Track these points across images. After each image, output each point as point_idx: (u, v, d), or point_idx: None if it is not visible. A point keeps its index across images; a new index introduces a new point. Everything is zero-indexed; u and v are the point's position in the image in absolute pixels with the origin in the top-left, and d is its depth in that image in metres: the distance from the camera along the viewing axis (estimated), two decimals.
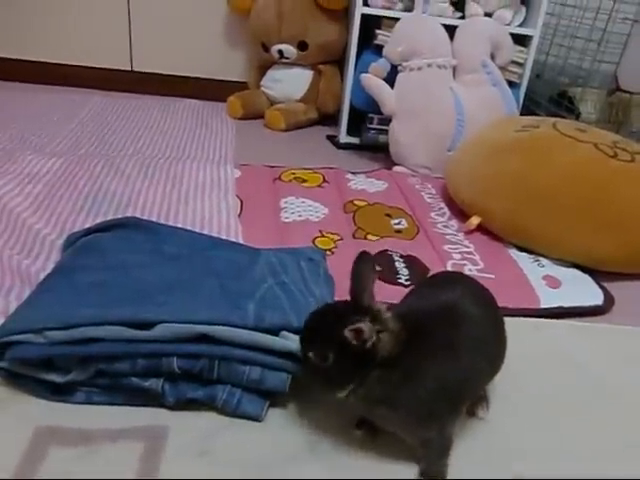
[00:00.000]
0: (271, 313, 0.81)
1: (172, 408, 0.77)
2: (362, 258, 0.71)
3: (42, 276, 0.94)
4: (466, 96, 1.75)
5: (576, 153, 1.29)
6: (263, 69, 2.27)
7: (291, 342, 0.78)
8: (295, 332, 0.81)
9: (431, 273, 1.17)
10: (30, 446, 0.69)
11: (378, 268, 1.18)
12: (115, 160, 1.56)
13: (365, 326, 0.65)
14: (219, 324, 0.77)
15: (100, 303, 0.78)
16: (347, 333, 0.65)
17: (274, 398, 0.80)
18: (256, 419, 0.77)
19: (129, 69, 2.34)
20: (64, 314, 0.75)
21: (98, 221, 1.18)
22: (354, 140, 2.02)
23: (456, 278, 0.85)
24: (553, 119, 1.47)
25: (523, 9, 1.91)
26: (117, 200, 1.32)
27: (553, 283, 1.20)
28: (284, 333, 0.80)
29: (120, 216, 1.20)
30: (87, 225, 1.16)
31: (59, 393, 0.76)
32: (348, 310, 0.69)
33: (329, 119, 2.23)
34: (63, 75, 2.29)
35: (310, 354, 0.70)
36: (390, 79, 1.78)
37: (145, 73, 2.35)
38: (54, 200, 1.28)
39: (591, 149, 1.30)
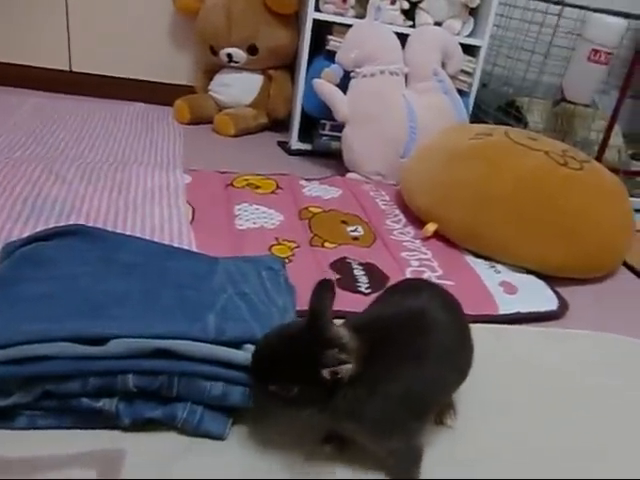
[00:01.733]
0: (232, 325, 0.77)
1: (127, 430, 0.71)
2: (323, 285, 0.67)
3: None
4: (418, 103, 1.76)
5: (528, 160, 1.31)
6: (211, 73, 2.21)
7: None
8: None
9: (391, 280, 1.15)
10: None
11: (337, 276, 1.15)
12: (55, 164, 1.47)
13: (346, 368, 0.62)
14: (178, 338, 0.72)
15: (46, 317, 0.71)
16: (325, 373, 0.62)
17: (236, 414, 0.75)
18: (219, 438, 0.73)
19: (67, 69, 2.23)
20: (5, 330, 0.68)
21: (39, 229, 1.10)
22: (305, 146, 1.99)
23: (421, 285, 0.84)
24: (505, 127, 1.49)
25: (471, 20, 1.94)
26: (59, 207, 1.24)
27: (510, 289, 1.20)
28: (247, 346, 0.76)
29: (63, 224, 1.12)
30: (26, 234, 1.08)
31: None
32: (312, 341, 0.64)
33: (279, 125, 2.20)
34: None
35: (272, 388, 0.66)
36: (342, 85, 1.76)
37: (85, 74, 2.25)
38: None
39: (543, 157, 1.32)
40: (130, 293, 0.79)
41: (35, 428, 0.69)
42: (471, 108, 1.96)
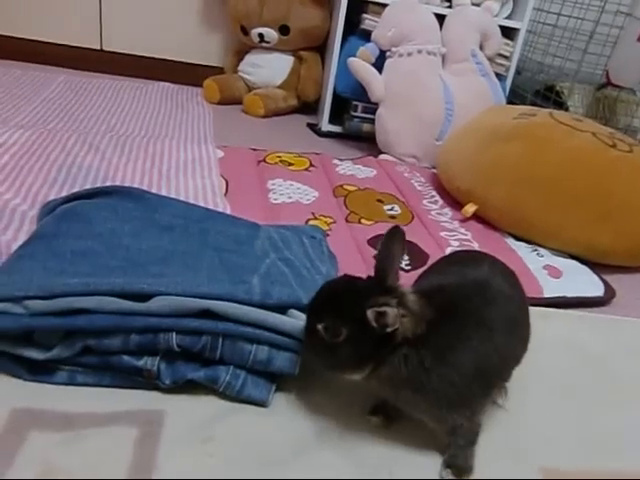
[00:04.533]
0: (278, 289, 0.74)
1: (167, 391, 0.69)
2: (393, 233, 0.64)
3: (14, 247, 0.84)
4: (455, 85, 1.71)
5: (576, 141, 1.26)
6: (241, 54, 2.19)
7: (301, 322, 0.71)
8: (304, 310, 0.74)
9: (432, 258, 1.12)
10: (6, 430, 0.60)
11: (375, 252, 1.12)
12: (88, 136, 1.45)
13: (391, 311, 0.58)
14: (222, 299, 0.69)
15: (88, 272, 0.69)
16: (370, 314, 0.59)
17: (279, 381, 0.72)
18: (262, 404, 0.70)
19: (98, 48, 2.22)
20: (47, 282, 0.66)
21: None
22: (336, 128, 1.96)
23: (480, 256, 0.80)
24: (548, 109, 1.44)
25: (510, 2, 1.89)
26: (93, 174, 1.22)
27: (554, 273, 1.16)
28: (293, 312, 0.73)
29: None
30: None
31: (37, 372, 0.67)
32: (371, 287, 0.62)
33: (308, 107, 2.16)
34: (26, 50, 2.15)
35: (320, 326, 0.62)
36: (377, 65, 1.72)
37: (115, 53, 2.23)
38: (23, 171, 1.17)
39: (590, 138, 1.27)
40: (172, 253, 0.77)
41: (74, 384, 0.67)
42: (507, 93, 1.91)
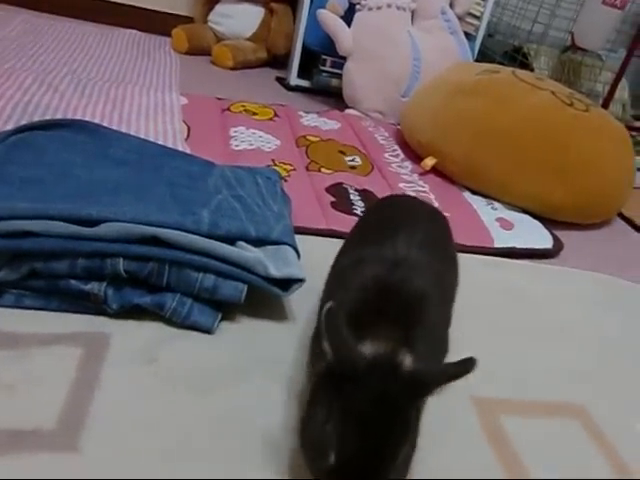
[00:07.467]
0: (227, 221, 0.75)
1: (113, 316, 0.70)
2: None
3: None
4: (423, 42, 1.71)
5: (535, 98, 1.28)
6: (211, 3, 2.14)
7: (249, 252, 0.73)
8: (253, 243, 0.76)
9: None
10: None
11: (332, 199, 1.14)
12: (47, 77, 1.42)
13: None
14: (171, 228, 0.70)
15: (37, 198, 0.69)
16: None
17: (226, 310, 0.74)
18: (207, 331, 0.71)
19: None
20: None
21: None
22: (304, 83, 1.95)
23: (404, 209, 0.77)
24: (511, 68, 1.46)
25: None
26: (50, 113, 1.20)
27: (506, 225, 1.19)
28: (241, 243, 0.75)
29: None
30: None
31: None
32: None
33: (278, 62, 2.14)
34: None
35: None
36: (347, 19, 1.71)
37: None
38: None
39: (549, 96, 1.29)
40: (123, 185, 0.77)
41: (22, 307, 0.68)
42: (476, 54, 1.92)
